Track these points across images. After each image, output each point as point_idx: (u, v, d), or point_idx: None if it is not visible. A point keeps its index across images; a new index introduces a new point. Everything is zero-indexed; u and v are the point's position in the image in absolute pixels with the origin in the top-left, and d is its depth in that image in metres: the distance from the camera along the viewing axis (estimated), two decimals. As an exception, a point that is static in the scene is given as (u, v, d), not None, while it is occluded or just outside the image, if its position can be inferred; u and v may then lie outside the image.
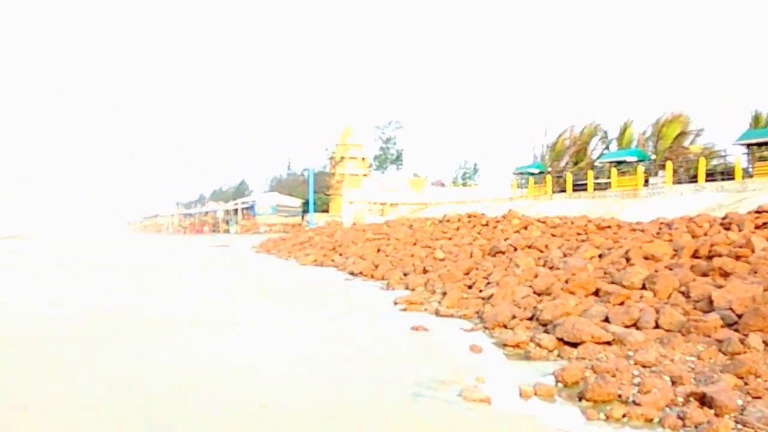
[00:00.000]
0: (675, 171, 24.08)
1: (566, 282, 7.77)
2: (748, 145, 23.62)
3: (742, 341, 4.90)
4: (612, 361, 4.92)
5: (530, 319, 6.72)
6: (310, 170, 53.07)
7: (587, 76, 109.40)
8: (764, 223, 9.63)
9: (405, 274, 11.89)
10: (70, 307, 8.78)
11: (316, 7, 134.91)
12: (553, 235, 13.26)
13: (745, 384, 4.19)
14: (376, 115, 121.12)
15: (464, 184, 61.79)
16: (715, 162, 26.57)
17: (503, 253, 11.69)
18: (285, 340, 6.44)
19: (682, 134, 29.94)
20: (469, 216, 18.80)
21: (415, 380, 4.78)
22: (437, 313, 7.96)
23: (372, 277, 12.83)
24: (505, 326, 6.69)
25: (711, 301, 5.95)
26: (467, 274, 10.32)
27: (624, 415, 3.89)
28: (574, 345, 5.51)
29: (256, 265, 17.59)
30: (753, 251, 7.65)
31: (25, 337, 6.58)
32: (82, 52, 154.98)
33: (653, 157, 29.50)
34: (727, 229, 9.79)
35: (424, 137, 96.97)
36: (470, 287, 9.30)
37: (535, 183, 33.62)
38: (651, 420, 3.82)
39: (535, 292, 7.79)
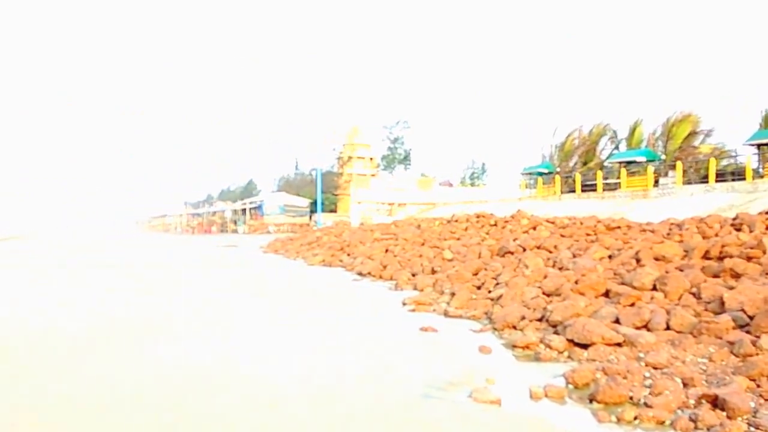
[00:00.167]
0: (685, 171, 23.95)
1: (576, 283, 7.73)
2: (759, 146, 23.49)
3: (754, 343, 4.86)
4: (623, 362, 4.91)
5: (540, 320, 6.69)
6: (317, 170, 53.22)
7: (596, 75, 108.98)
8: (776, 224, 9.56)
9: (413, 275, 11.86)
10: (70, 308, 8.80)
11: (325, 5, 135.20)
12: (562, 236, 13.21)
13: (758, 386, 4.16)
14: (384, 114, 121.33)
15: (472, 184, 61.72)
16: (725, 162, 26.46)
17: (512, 253, 11.66)
18: (293, 341, 6.45)
19: (693, 134, 29.78)
20: (478, 216, 18.77)
21: (424, 381, 4.79)
22: (446, 314, 7.95)
23: (380, 277, 12.83)
24: (514, 327, 6.67)
25: (722, 303, 5.91)
26: (476, 274, 10.31)
27: (635, 418, 3.87)
28: (585, 346, 5.48)
29: (265, 265, 17.63)
30: (764, 252, 7.61)
31: (25, 338, 6.62)
32: (82, 52, 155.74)
33: (663, 157, 29.35)
34: (738, 230, 9.73)
35: (432, 137, 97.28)
36: (479, 288, 9.28)
37: (543, 183, 33.54)
38: (663, 422, 3.80)
39: (544, 293, 7.76)
